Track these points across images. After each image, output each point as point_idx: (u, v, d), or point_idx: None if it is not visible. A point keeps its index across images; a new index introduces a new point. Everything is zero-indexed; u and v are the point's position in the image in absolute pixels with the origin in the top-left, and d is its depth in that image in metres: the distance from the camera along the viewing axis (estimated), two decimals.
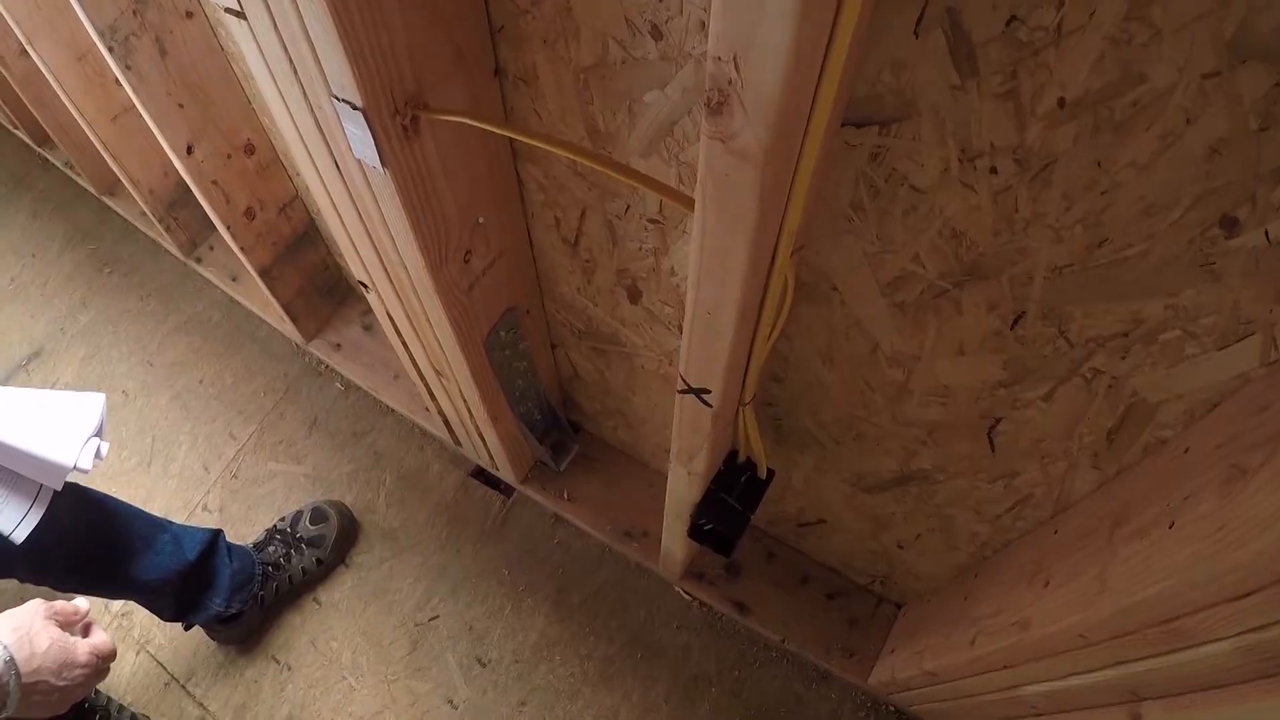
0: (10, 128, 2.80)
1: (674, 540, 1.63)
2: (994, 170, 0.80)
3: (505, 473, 2.03)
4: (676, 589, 1.97)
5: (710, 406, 1.03)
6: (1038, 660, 1.16)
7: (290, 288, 2.16)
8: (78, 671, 1.13)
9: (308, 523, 2.06)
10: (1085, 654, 1.06)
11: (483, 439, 1.83)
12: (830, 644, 1.80)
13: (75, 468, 1.30)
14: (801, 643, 1.80)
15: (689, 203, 0.75)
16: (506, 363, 1.56)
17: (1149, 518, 0.94)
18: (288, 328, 2.29)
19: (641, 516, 1.95)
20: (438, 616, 2.02)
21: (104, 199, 2.70)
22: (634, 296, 1.34)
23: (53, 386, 2.46)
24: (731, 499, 1.33)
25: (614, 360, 1.60)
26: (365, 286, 1.40)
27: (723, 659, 1.91)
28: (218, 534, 1.88)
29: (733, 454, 1.34)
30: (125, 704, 1.81)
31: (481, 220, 1.21)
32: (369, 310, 2.29)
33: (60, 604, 1.19)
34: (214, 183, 1.81)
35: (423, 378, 1.69)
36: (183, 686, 1.98)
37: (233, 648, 2.01)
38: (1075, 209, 0.79)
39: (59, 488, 1.31)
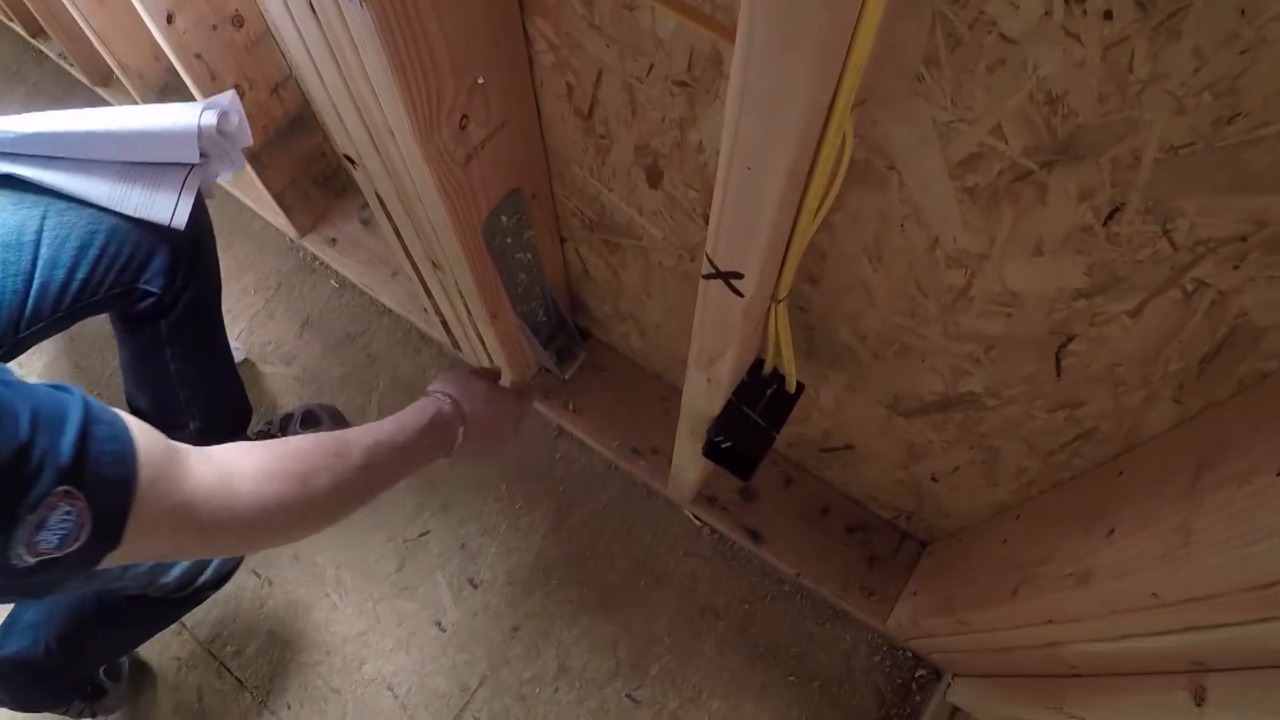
0: (5, 20, 2.68)
1: (686, 459, 1.52)
2: (1108, 15, 0.63)
3: (506, 380, 1.86)
4: (686, 513, 1.89)
5: (741, 296, 0.88)
6: (1095, 618, 1.04)
7: (282, 176, 2.04)
8: (507, 418, 1.44)
9: (298, 425, 1.96)
10: (1153, 615, 0.93)
11: (482, 342, 1.70)
12: (848, 581, 1.71)
13: (201, 126, 1.32)
14: (817, 578, 1.72)
15: (728, 33, 0.58)
16: (508, 253, 1.43)
17: (1250, 463, 0.79)
18: (281, 221, 2.17)
19: (651, 432, 1.85)
20: (428, 533, 1.94)
21: (97, 90, 2.58)
22: (654, 178, 1.20)
23: None
24: (755, 414, 1.19)
25: (628, 256, 1.46)
26: (352, 162, 1.26)
27: (732, 591, 1.84)
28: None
29: (758, 363, 1.21)
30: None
31: (481, 80, 1.06)
32: (369, 204, 2.13)
33: (483, 368, 1.58)
34: (198, 56, 1.67)
35: (417, 270, 1.56)
36: None
37: (211, 560, 1.87)
38: (1206, 70, 0.62)
39: (195, 159, 1.35)
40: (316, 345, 2.18)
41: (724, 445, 1.23)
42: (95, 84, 2.58)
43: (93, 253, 1.29)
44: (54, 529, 0.74)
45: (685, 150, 1.10)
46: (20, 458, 0.72)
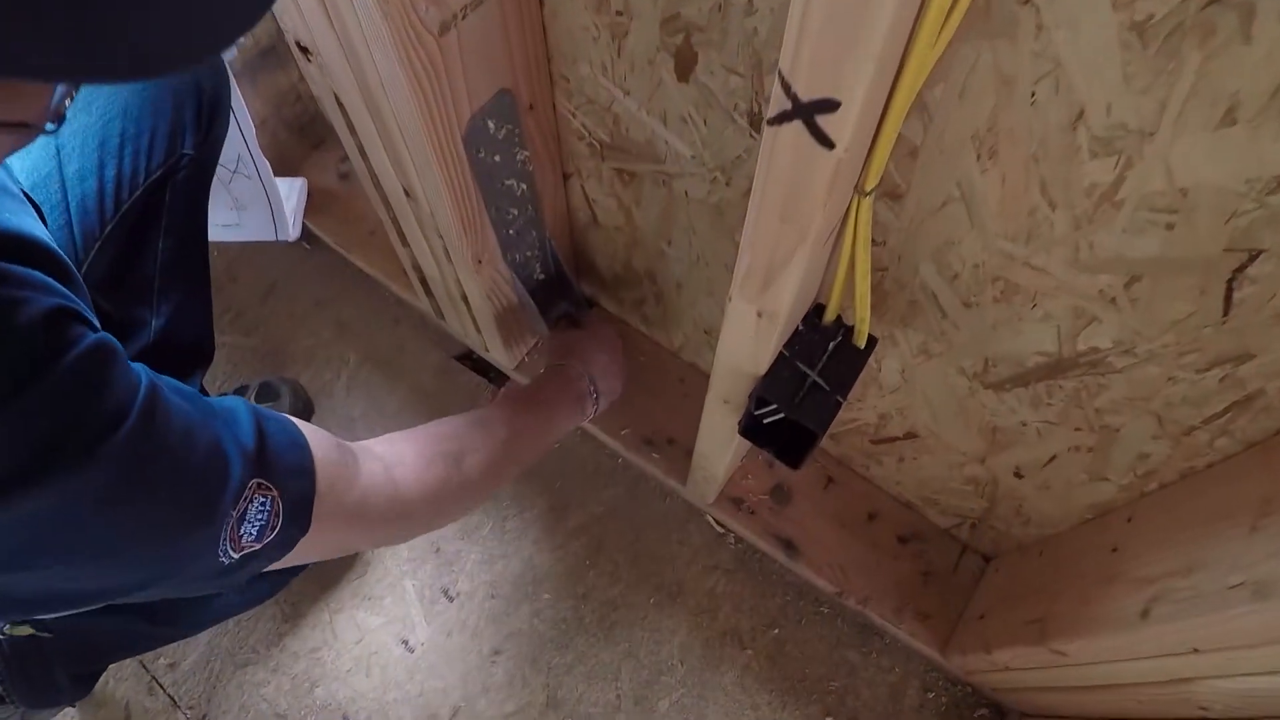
0: None
1: (715, 442, 1.32)
2: None
3: (497, 354, 1.73)
4: (707, 517, 1.73)
5: (831, 147, 0.63)
6: (1269, 644, 0.84)
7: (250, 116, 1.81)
8: (620, 359, 1.54)
9: (253, 399, 1.80)
10: None
11: (466, 302, 1.52)
12: (900, 602, 1.53)
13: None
14: (862, 598, 1.54)
15: None
16: (496, 176, 1.23)
17: None
18: None
19: (667, 419, 1.69)
20: None
21: None
22: (685, 65, 0.99)
23: None
24: (814, 374, 0.97)
25: (646, 188, 1.27)
26: (305, 51, 1.08)
27: (760, 612, 1.67)
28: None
29: (816, 309, 1.00)
30: None
31: None
32: (348, 155, 1.97)
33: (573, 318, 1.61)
34: None
35: (387, 206, 1.38)
36: None
37: None
38: None
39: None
40: (281, 314, 2.02)
41: (770, 418, 1.03)
42: None
43: (114, 143, 1.20)
44: (253, 520, 0.82)
45: (728, 15, 0.88)
46: (217, 457, 0.79)
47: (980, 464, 1.29)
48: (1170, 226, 0.76)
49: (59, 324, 0.70)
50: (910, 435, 1.36)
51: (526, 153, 1.24)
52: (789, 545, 1.58)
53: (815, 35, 0.56)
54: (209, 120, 1.32)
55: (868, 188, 0.71)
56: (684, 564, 1.70)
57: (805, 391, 0.98)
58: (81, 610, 0.96)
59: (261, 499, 0.83)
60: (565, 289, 1.57)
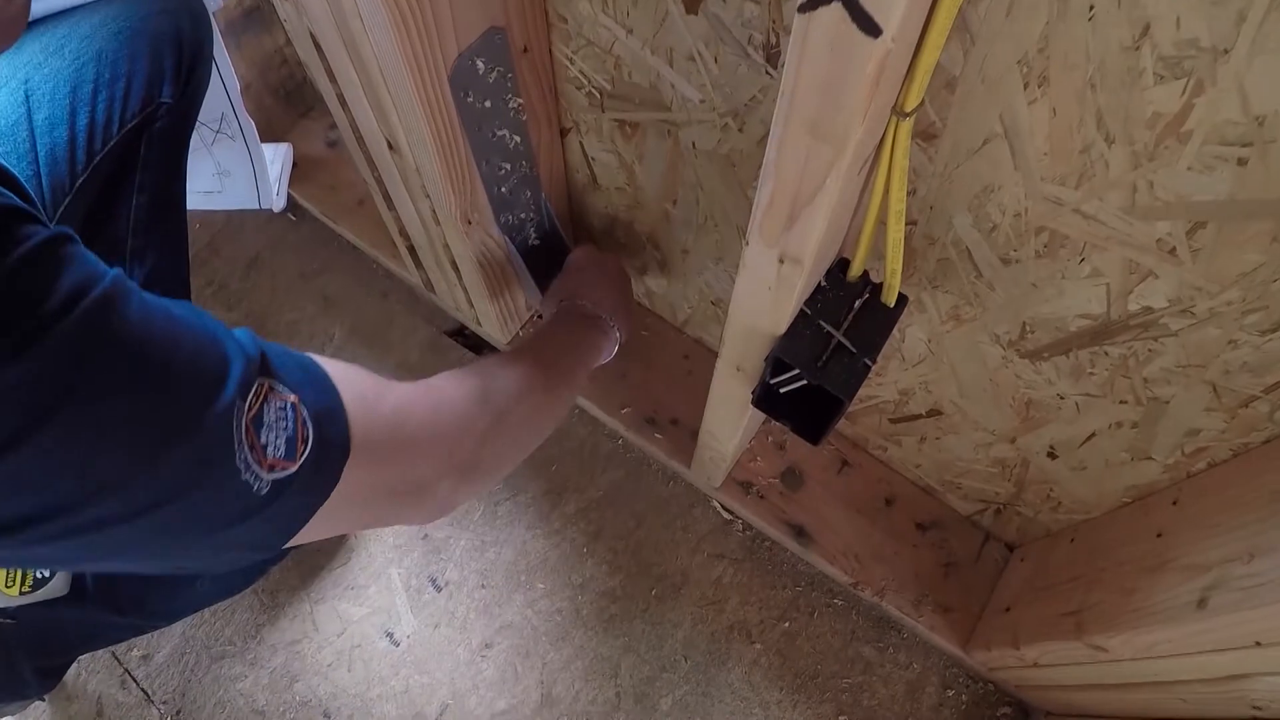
0: None
1: (725, 416, 1.25)
2: None
3: (490, 328, 1.67)
4: (713, 503, 1.68)
5: (877, 33, 0.53)
6: None
7: None
8: (629, 292, 1.43)
9: None
10: None
11: (456, 270, 1.46)
12: (919, 594, 1.49)
13: None
14: (879, 589, 1.50)
15: None
16: (486, 125, 1.16)
17: None
18: None
19: (671, 398, 1.65)
20: None
21: None
22: None
23: None
24: (839, 334, 0.90)
25: (650, 140, 1.20)
26: None
27: (769, 604, 1.62)
28: None
29: (840, 264, 0.93)
30: None
31: None
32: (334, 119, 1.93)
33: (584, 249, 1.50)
34: None
35: (370, 160, 1.31)
36: None
37: None
38: None
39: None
40: (265, 287, 1.96)
41: (789, 386, 0.96)
42: None
43: (87, 89, 1.16)
44: (275, 428, 0.72)
45: None
46: (211, 344, 0.70)
47: (1010, 444, 1.23)
48: (1243, 162, 0.69)
49: (5, 223, 0.63)
50: (934, 413, 1.30)
51: (520, 101, 1.18)
52: (800, 532, 1.53)
53: None
54: (189, 69, 1.27)
55: (908, 107, 0.62)
56: (688, 552, 1.65)
57: (829, 354, 0.90)
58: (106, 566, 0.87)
59: (279, 403, 0.73)
60: (562, 255, 1.50)
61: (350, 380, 0.83)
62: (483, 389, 0.99)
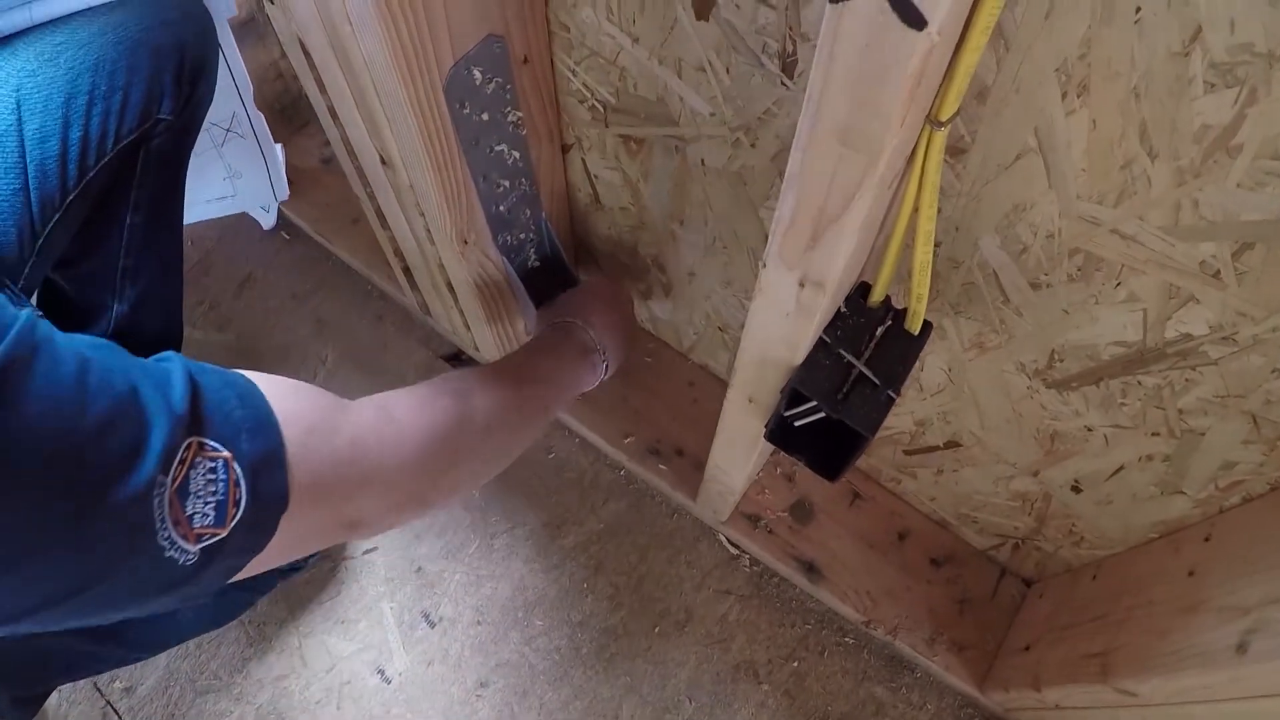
0: None
1: (734, 449, 1.21)
2: None
3: (487, 353, 1.64)
4: (719, 536, 1.64)
5: (921, 25, 0.49)
6: None
7: None
8: (630, 316, 1.39)
9: None
10: None
11: (452, 292, 1.43)
12: (934, 632, 1.46)
13: None
14: (892, 626, 1.47)
15: None
16: (483, 139, 1.13)
17: None
18: None
19: (675, 427, 1.62)
20: (374, 549, 1.69)
21: None
22: (705, 0, 0.87)
23: None
24: (860, 365, 0.86)
25: (656, 157, 1.17)
26: None
27: (777, 642, 1.58)
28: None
29: (861, 289, 0.90)
30: None
31: None
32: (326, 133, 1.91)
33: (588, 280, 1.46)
34: None
35: (363, 176, 1.28)
36: None
37: None
38: None
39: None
40: (257, 308, 1.95)
41: (805, 419, 0.92)
42: None
43: (81, 101, 1.12)
44: (203, 495, 0.67)
45: None
46: (131, 407, 0.65)
47: (1032, 477, 1.20)
48: None
49: None
50: (952, 444, 1.27)
51: (520, 114, 1.15)
52: (810, 568, 1.51)
53: None
54: (191, 84, 1.24)
55: (943, 116, 0.58)
56: (693, 589, 1.63)
57: (850, 386, 0.87)
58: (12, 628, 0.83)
59: (209, 463, 0.68)
60: (563, 278, 1.48)
61: (298, 413, 0.79)
62: (448, 423, 0.95)
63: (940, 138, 0.62)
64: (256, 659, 1.59)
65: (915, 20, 0.47)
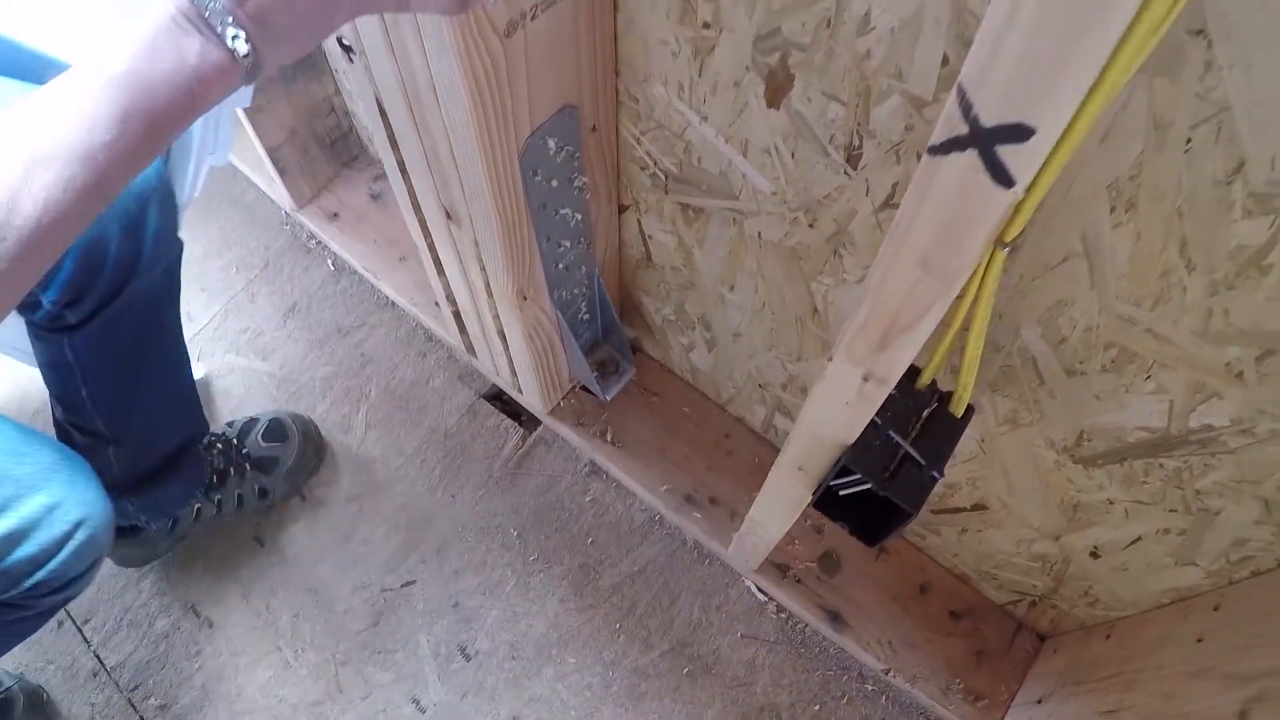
0: None
1: (776, 508, 1.23)
2: None
3: (530, 397, 1.67)
4: (747, 584, 1.67)
5: (1011, 184, 0.55)
6: None
7: (280, 128, 1.82)
8: None
9: (260, 438, 1.72)
10: None
11: (503, 340, 1.46)
12: (950, 681, 1.49)
13: None
14: (911, 675, 1.50)
15: None
16: (550, 204, 1.16)
17: None
18: (277, 190, 1.97)
19: (710, 477, 1.64)
20: (413, 583, 1.71)
21: None
22: (778, 89, 0.92)
23: None
24: (907, 444, 0.90)
25: (713, 226, 1.21)
26: (348, 50, 1.01)
27: (800, 687, 1.61)
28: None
29: (910, 372, 0.93)
30: None
31: None
32: (381, 175, 1.99)
33: None
34: None
35: (424, 228, 1.31)
36: (79, 629, 1.70)
37: (145, 588, 1.73)
38: None
39: None
40: (301, 338, 1.97)
41: (850, 489, 0.96)
42: None
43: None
44: None
45: (837, 35, 0.82)
46: None
47: (1053, 541, 1.24)
48: None
49: None
50: (979, 507, 1.30)
51: (585, 179, 1.18)
52: (835, 617, 1.52)
53: (1021, 45, 0.48)
54: (119, 272, 1.20)
55: (1008, 238, 0.64)
56: (721, 632, 1.64)
57: (897, 464, 0.91)
58: None
59: None
60: (611, 331, 1.51)
61: None
62: None
63: (1002, 255, 0.67)
64: (292, 683, 1.61)
65: (1005, 181, 0.53)
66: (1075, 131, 0.53)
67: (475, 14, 0.82)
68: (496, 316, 1.38)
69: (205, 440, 1.69)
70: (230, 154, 1.25)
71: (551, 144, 1.08)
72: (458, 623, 1.66)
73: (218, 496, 1.66)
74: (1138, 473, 1.01)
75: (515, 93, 0.96)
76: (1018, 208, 0.60)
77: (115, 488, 1.46)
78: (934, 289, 0.66)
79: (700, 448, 1.65)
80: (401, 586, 1.69)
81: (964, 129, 0.53)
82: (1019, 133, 0.51)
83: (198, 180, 1.29)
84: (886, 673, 1.49)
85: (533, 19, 0.88)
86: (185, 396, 1.52)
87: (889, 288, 0.69)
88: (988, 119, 0.52)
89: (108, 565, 1.70)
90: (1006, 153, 0.53)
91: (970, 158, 0.55)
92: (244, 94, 1.17)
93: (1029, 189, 0.58)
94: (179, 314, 1.40)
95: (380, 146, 1.18)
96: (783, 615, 1.64)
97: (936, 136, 0.55)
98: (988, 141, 0.53)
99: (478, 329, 1.54)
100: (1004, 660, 1.48)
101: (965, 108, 0.52)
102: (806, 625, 1.62)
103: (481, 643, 1.64)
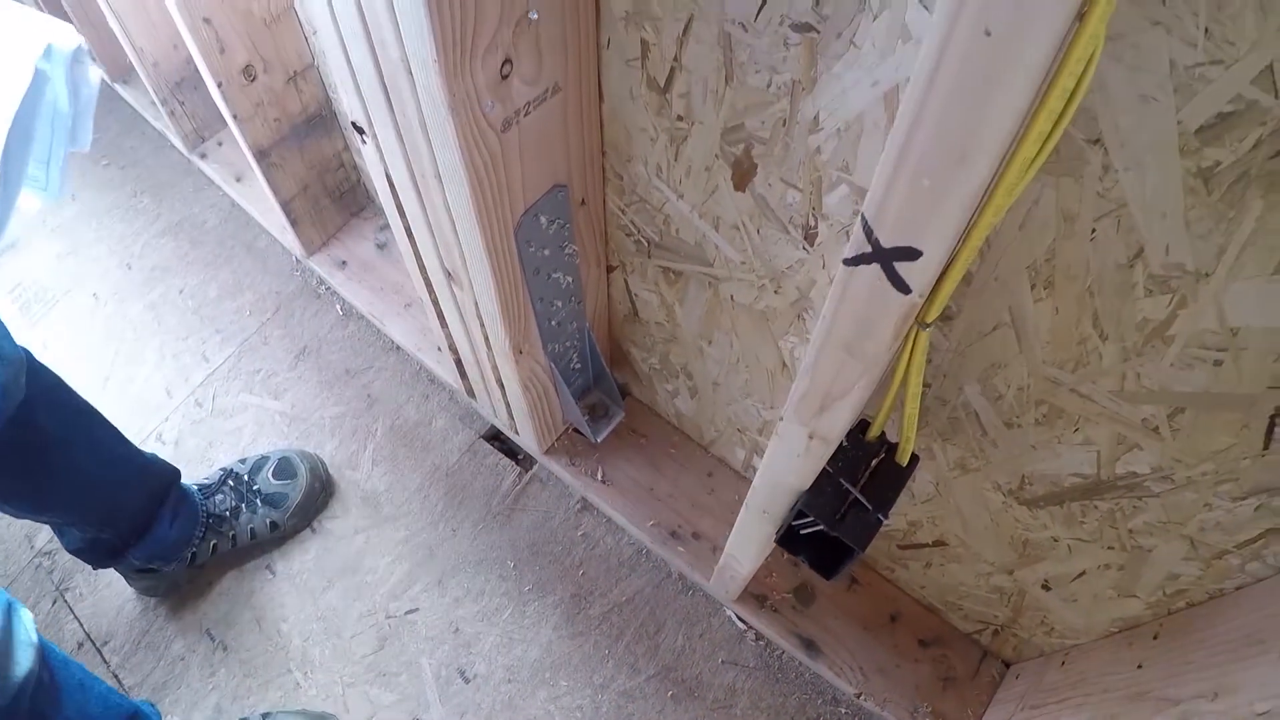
0: None
1: (747, 546, 1.30)
2: None
3: (526, 438, 1.73)
4: (728, 612, 1.70)
5: (906, 292, 0.64)
6: None
7: (293, 181, 1.89)
8: None
9: (270, 475, 1.78)
10: None
11: (501, 387, 1.52)
12: (917, 705, 1.52)
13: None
14: (881, 699, 1.53)
15: None
16: (543, 270, 1.24)
17: None
18: (289, 238, 2.04)
19: (694, 513, 1.68)
20: (416, 610, 1.75)
21: (115, 86, 2.50)
22: (743, 176, 1.00)
23: (19, 284, 2.26)
24: (856, 491, 0.97)
25: (691, 288, 1.27)
26: (359, 131, 1.07)
27: (778, 710, 1.64)
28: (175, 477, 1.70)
29: (860, 425, 1.00)
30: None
31: (534, 16, 0.87)
32: (387, 226, 2.05)
33: None
34: (206, 21, 1.50)
35: (429, 286, 1.37)
36: (98, 650, 1.75)
37: (163, 612, 1.78)
38: None
39: None
40: (311, 380, 2.03)
41: (809, 529, 1.02)
42: (114, 80, 2.49)
43: None
44: None
45: (792, 132, 0.90)
46: None
47: (1008, 575, 1.29)
48: (1218, 364, 0.77)
49: None
50: (939, 543, 1.35)
51: (574, 247, 1.24)
52: (810, 645, 1.56)
53: (906, 187, 0.57)
54: None
55: (928, 319, 0.72)
56: (703, 658, 1.67)
57: (847, 508, 0.98)
58: None
59: None
60: (600, 379, 1.57)
61: None
62: None
63: (925, 335, 0.75)
64: (303, 704, 1.65)
65: (904, 289, 0.62)
66: (967, 249, 0.62)
67: (475, 114, 0.89)
68: (495, 366, 1.43)
69: (218, 474, 1.76)
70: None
71: (543, 219, 1.14)
72: (458, 647, 1.69)
73: (231, 531, 1.71)
74: (1076, 513, 1.07)
75: (510, 177, 1.03)
76: (932, 297, 0.69)
77: (110, 551, 1.56)
78: (857, 368, 0.75)
79: (684, 486, 1.69)
80: (405, 614, 1.73)
81: (868, 248, 0.62)
82: (910, 253, 0.60)
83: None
84: (858, 696, 1.53)
85: (526, 115, 0.96)
86: (122, 459, 1.54)
87: (820, 368, 0.78)
88: (886, 241, 0.61)
89: (127, 591, 1.76)
90: (903, 268, 0.62)
91: (875, 270, 0.64)
92: (80, 135, 1.02)
93: (936, 286, 0.67)
94: (70, 398, 1.41)
95: (389, 213, 1.24)
96: (761, 642, 1.67)
97: (848, 251, 0.64)
98: (887, 259, 0.62)
99: (477, 375, 1.58)
100: (970, 686, 1.52)
101: (868, 232, 0.61)
102: (783, 652, 1.65)
103: (480, 666, 1.67)
